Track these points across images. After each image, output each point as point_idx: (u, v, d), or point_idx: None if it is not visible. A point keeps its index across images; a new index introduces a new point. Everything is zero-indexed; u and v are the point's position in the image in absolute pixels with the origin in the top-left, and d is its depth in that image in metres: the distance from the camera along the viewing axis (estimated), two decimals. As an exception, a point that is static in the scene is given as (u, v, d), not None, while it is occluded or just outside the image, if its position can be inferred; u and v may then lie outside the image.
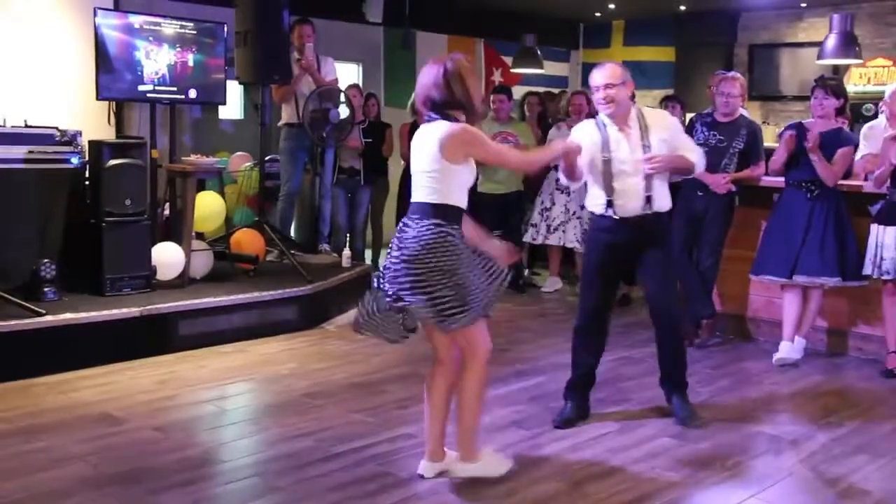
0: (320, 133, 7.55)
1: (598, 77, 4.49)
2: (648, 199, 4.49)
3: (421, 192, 3.66)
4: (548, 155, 4.58)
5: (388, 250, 3.71)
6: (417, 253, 3.53)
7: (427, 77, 3.69)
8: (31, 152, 5.90)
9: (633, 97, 4.62)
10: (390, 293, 3.62)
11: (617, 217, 4.50)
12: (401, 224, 3.70)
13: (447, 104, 3.65)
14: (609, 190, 4.48)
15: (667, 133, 4.59)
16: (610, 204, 4.49)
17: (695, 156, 4.69)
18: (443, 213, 3.59)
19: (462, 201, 3.67)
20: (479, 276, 3.63)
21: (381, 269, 3.73)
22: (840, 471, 4.08)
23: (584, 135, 4.58)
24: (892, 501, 3.78)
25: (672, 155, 4.55)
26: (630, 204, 4.48)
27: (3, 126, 5.88)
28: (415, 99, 3.84)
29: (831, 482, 3.96)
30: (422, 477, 3.83)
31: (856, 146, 6.20)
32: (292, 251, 7.31)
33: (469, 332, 3.69)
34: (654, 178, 4.51)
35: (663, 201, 4.59)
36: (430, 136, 3.65)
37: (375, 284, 3.72)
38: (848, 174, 6.20)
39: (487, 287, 3.65)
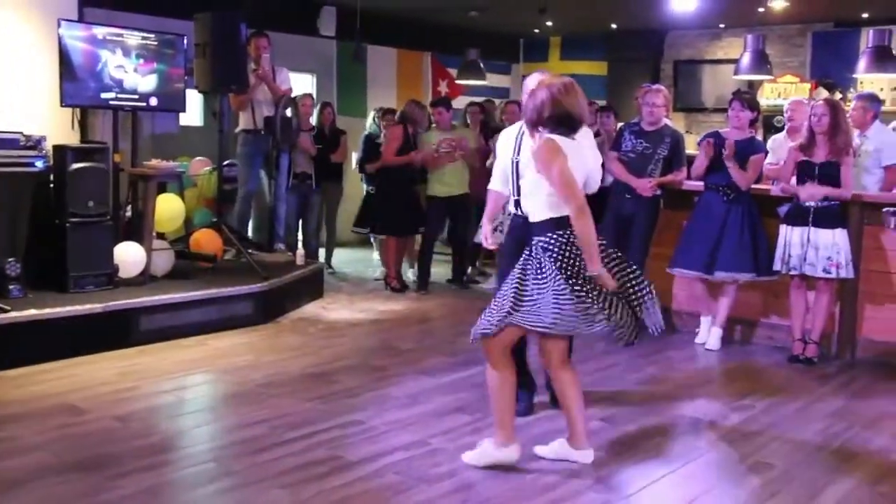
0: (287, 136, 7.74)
1: (531, 82, 4.35)
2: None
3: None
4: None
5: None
6: None
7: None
8: (-4, 156, 5.79)
9: None
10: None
11: (522, 216, 4.18)
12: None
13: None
14: (516, 190, 4.31)
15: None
16: (517, 204, 4.29)
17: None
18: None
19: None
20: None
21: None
22: (749, 448, 4.19)
23: (505, 137, 4.50)
24: (793, 472, 3.89)
25: None
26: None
27: (-31, 132, 5.76)
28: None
29: (742, 458, 4.06)
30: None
31: (766, 153, 6.37)
32: (249, 250, 7.26)
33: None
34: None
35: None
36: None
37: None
38: (760, 178, 6.36)
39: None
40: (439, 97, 10.08)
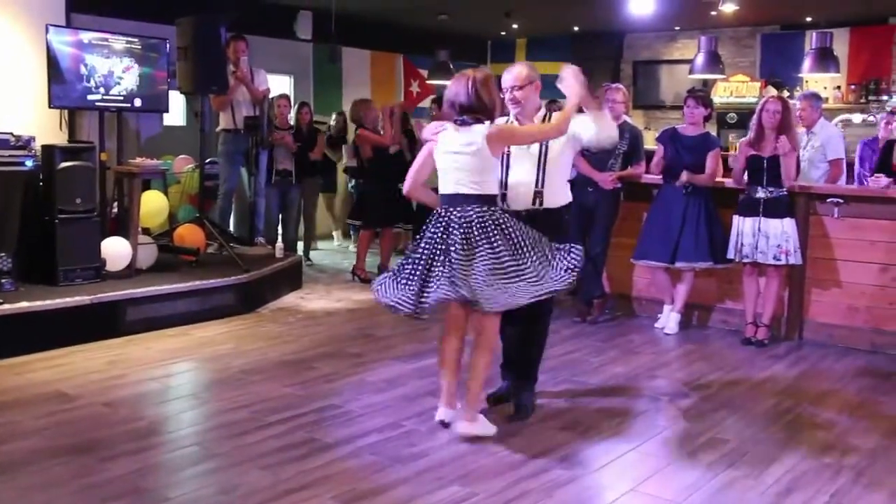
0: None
1: (506, 79, 4.24)
2: (537, 196, 4.17)
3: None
4: (568, 112, 4.24)
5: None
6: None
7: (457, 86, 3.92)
8: (-13, 156, 5.73)
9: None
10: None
11: (509, 209, 4.10)
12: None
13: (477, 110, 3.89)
14: (503, 184, 4.15)
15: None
16: (503, 197, 4.14)
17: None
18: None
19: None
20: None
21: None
22: (706, 424, 4.23)
23: None
24: (746, 446, 3.94)
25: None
26: (520, 198, 4.18)
27: (-39, 133, 5.69)
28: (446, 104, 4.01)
29: (698, 434, 4.10)
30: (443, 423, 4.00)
31: (722, 147, 6.43)
32: (230, 244, 7.23)
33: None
34: (546, 177, 4.19)
35: (556, 198, 4.22)
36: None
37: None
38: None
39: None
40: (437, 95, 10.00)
